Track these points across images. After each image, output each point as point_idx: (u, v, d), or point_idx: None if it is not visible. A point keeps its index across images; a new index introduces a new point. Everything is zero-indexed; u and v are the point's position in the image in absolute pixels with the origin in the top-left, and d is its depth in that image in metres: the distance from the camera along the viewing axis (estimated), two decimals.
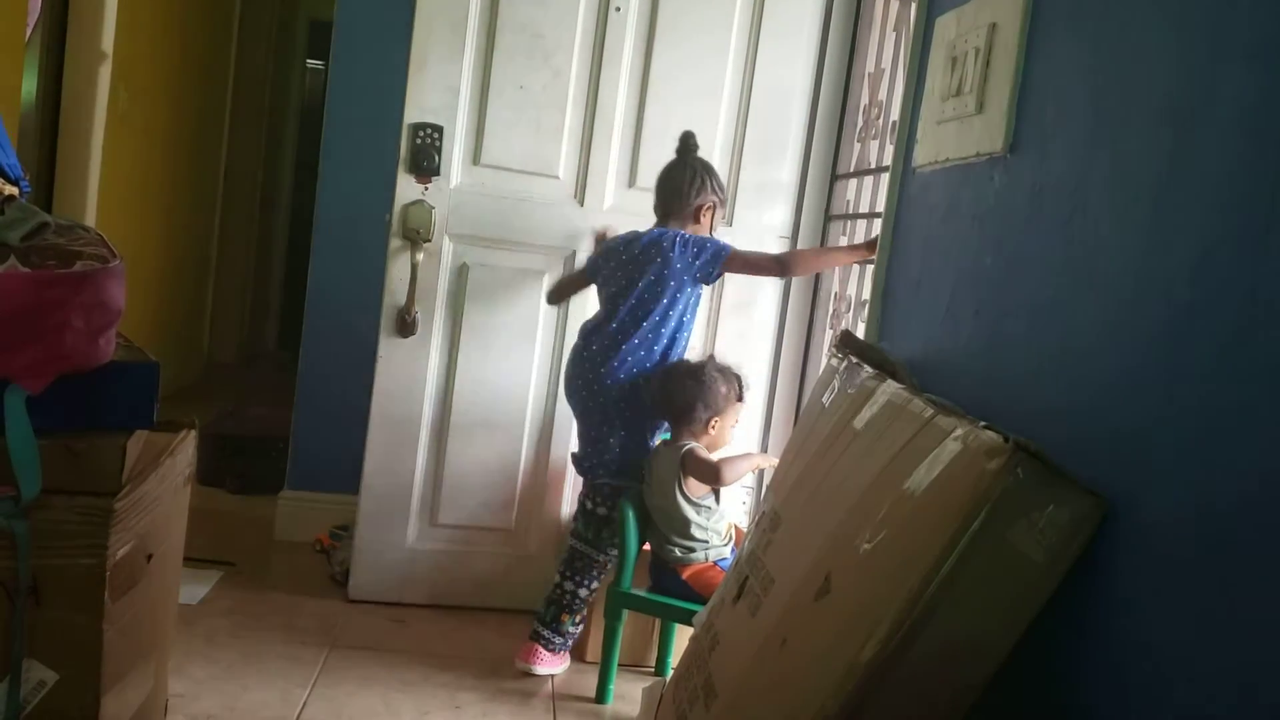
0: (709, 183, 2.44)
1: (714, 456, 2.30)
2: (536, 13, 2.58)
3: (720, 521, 2.33)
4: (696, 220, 2.45)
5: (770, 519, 1.58)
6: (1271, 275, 0.93)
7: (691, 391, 2.30)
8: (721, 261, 2.38)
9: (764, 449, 2.79)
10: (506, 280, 2.66)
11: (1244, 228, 0.97)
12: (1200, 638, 0.96)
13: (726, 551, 2.31)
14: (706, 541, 2.29)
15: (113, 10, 3.61)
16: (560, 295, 2.64)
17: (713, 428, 2.34)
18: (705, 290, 2.61)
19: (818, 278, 2.78)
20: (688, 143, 2.48)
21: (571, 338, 2.68)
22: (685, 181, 2.43)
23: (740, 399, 2.39)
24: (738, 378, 2.38)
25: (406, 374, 2.63)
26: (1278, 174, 0.94)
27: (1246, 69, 1.01)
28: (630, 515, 2.29)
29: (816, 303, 2.81)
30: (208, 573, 2.69)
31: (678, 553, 2.28)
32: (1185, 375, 1.02)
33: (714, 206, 2.46)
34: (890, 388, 1.45)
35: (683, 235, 2.39)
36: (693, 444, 2.30)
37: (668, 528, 2.30)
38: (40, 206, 1.52)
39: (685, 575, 2.26)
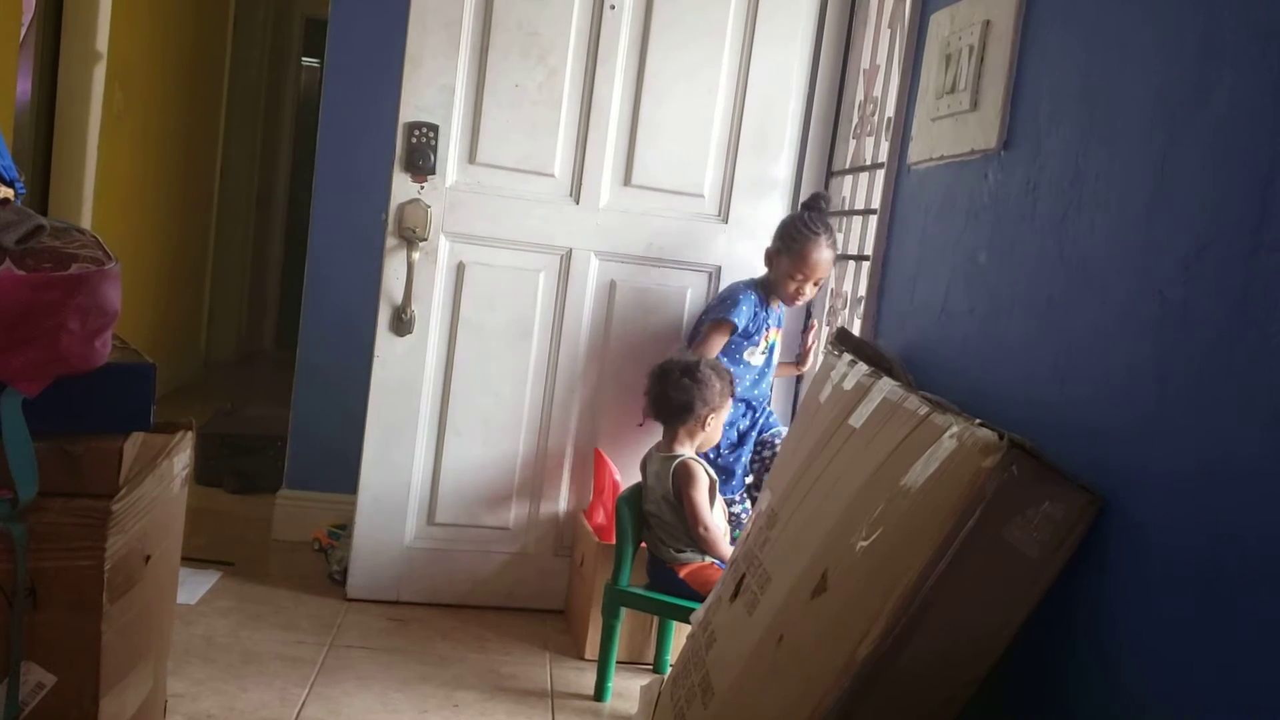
0: (784, 237, 2.53)
1: (704, 511, 2.24)
2: (531, 10, 2.57)
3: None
4: (767, 264, 2.60)
5: (767, 517, 1.58)
6: (1264, 271, 0.93)
7: (689, 390, 2.30)
8: (707, 321, 2.59)
9: None
10: (503, 278, 2.65)
11: (1237, 224, 0.98)
12: (1194, 635, 0.96)
13: None
14: None
15: (107, 10, 3.61)
16: None
17: (708, 424, 2.35)
18: (703, 287, 2.70)
19: None
20: (808, 201, 2.57)
21: (568, 338, 2.69)
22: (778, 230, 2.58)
23: (731, 394, 2.40)
24: (729, 374, 2.40)
25: (403, 372, 2.62)
26: (1269, 170, 0.94)
27: (1238, 65, 1.01)
28: (626, 513, 2.29)
29: (813, 298, 2.80)
30: (206, 573, 2.70)
31: (674, 551, 2.29)
32: (1179, 371, 1.03)
33: (778, 254, 2.54)
34: (886, 385, 1.46)
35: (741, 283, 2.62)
36: (686, 457, 2.30)
37: (661, 529, 2.30)
38: (36, 207, 1.52)
39: (682, 574, 2.27)
